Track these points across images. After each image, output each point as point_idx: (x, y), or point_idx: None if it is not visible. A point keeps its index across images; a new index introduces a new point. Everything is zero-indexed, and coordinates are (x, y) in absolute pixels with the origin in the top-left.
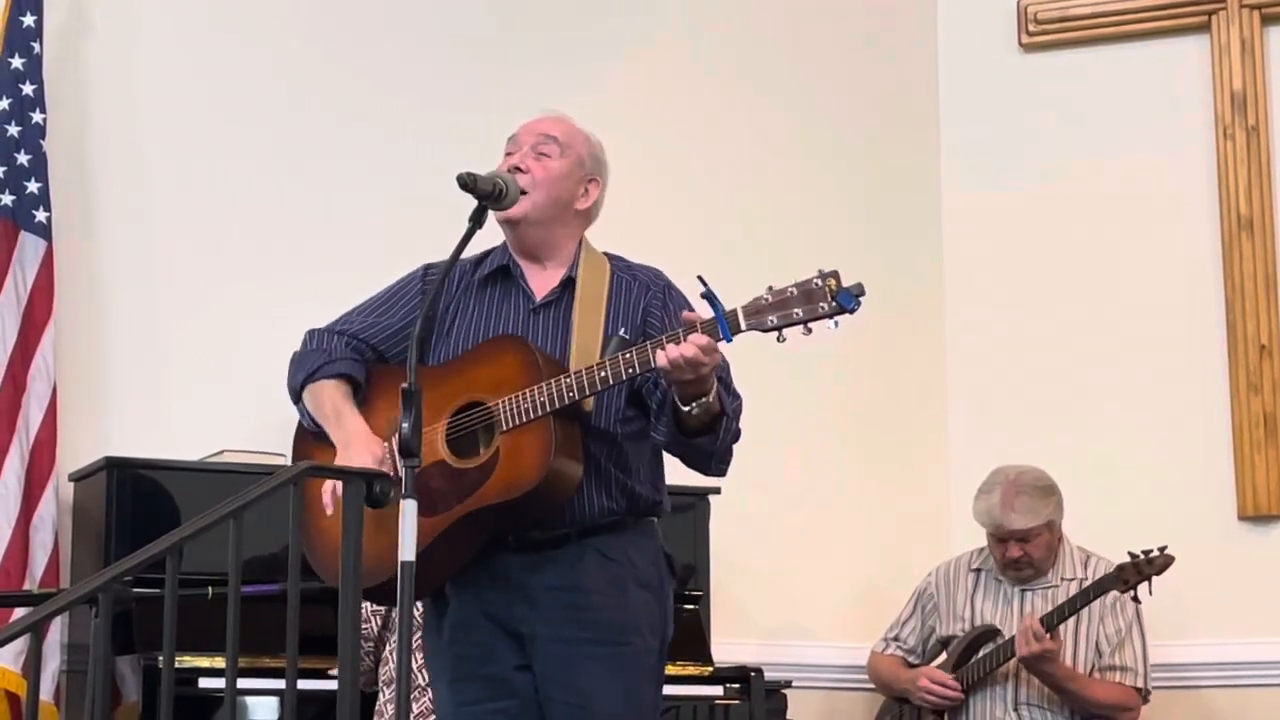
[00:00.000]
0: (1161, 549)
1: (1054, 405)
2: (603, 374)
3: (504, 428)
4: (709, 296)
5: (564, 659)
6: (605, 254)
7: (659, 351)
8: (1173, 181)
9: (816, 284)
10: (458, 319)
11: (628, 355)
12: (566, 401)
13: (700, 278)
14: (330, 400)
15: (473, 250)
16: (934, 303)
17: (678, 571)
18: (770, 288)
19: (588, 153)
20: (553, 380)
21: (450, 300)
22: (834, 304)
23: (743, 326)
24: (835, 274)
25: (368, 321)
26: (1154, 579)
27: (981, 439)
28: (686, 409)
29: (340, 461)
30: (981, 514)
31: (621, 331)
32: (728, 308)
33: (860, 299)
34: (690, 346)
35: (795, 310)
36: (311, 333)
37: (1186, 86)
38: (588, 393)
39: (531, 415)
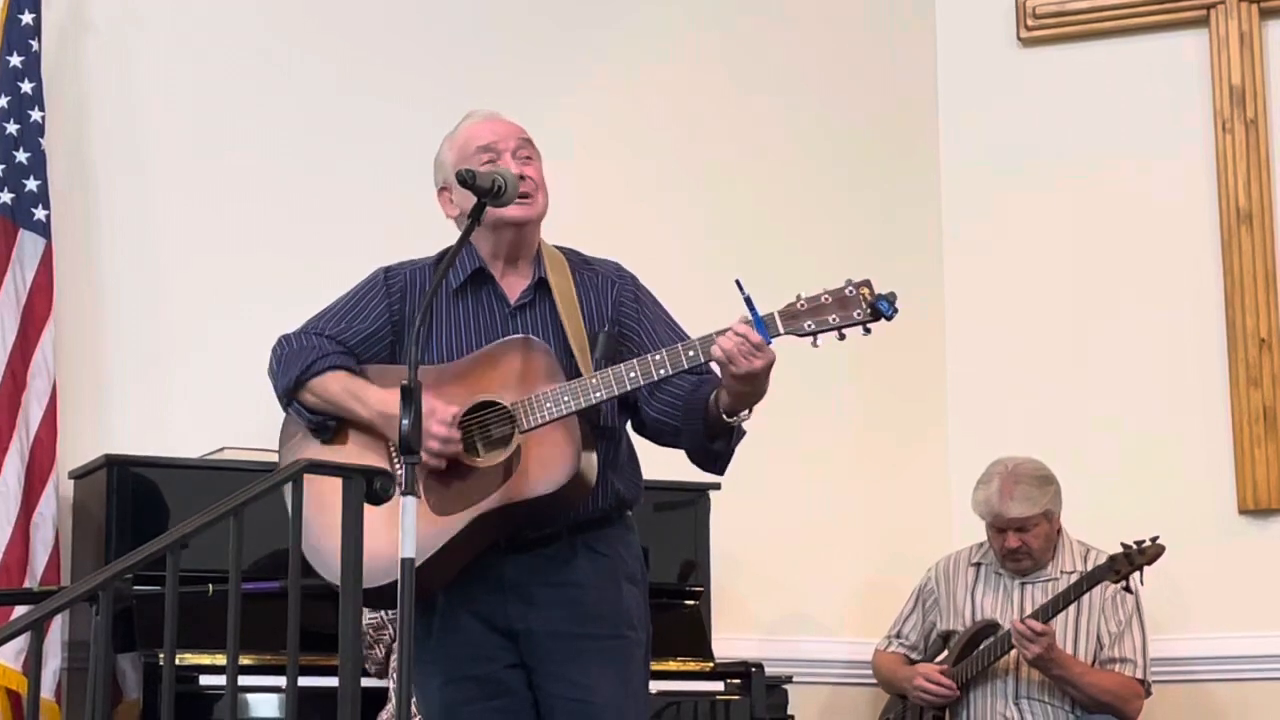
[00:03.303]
0: (1153, 539)
1: (1054, 399)
2: (631, 374)
3: (524, 427)
4: (747, 301)
5: (563, 654)
6: (557, 248)
7: (713, 347)
8: (1172, 176)
9: (850, 291)
10: (434, 324)
11: (658, 356)
12: (594, 402)
13: (738, 282)
14: (342, 385)
15: (426, 252)
16: (934, 297)
17: (681, 567)
18: (800, 295)
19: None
20: (575, 381)
21: (419, 304)
22: (870, 311)
23: (780, 330)
24: (867, 282)
25: (341, 326)
26: (1145, 569)
27: (981, 433)
28: (731, 419)
29: (390, 430)
30: (980, 504)
31: (606, 328)
32: (760, 312)
33: (896, 306)
34: (742, 340)
35: (831, 316)
36: (286, 337)
37: (1185, 81)
38: (615, 393)
39: (555, 415)
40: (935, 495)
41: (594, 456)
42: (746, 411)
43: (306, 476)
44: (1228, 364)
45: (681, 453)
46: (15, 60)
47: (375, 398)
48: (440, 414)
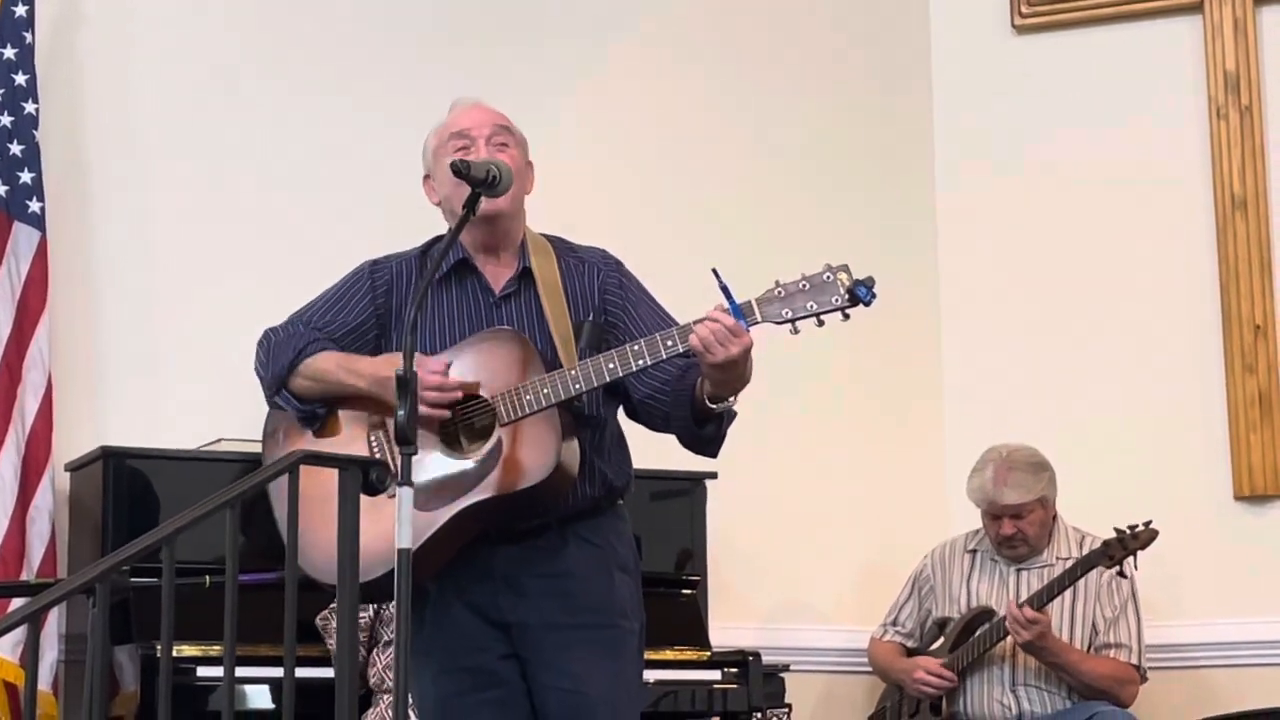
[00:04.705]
0: (1146, 523)
1: (1049, 388)
2: (610, 365)
3: (504, 420)
4: (724, 289)
5: (555, 645)
6: (543, 235)
7: (690, 336)
8: (1166, 162)
9: (827, 277)
10: (418, 317)
11: (637, 347)
12: (573, 394)
13: (715, 270)
14: (334, 361)
15: (412, 243)
16: (929, 284)
17: (677, 556)
18: (778, 281)
19: (525, 139)
20: (555, 373)
21: (404, 297)
22: (848, 297)
23: (758, 318)
24: (845, 267)
25: (326, 319)
26: (1140, 553)
27: (977, 420)
28: (715, 406)
29: (388, 393)
30: (975, 491)
31: (590, 316)
32: (735, 296)
33: (874, 291)
34: (718, 326)
35: (809, 303)
36: (273, 329)
37: (1179, 67)
38: (594, 385)
39: (535, 407)
40: (931, 482)
41: (576, 446)
42: (732, 398)
43: None
44: (1223, 350)
45: (676, 442)
46: (9, 52)
47: (368, 367)
48: (431, 364)
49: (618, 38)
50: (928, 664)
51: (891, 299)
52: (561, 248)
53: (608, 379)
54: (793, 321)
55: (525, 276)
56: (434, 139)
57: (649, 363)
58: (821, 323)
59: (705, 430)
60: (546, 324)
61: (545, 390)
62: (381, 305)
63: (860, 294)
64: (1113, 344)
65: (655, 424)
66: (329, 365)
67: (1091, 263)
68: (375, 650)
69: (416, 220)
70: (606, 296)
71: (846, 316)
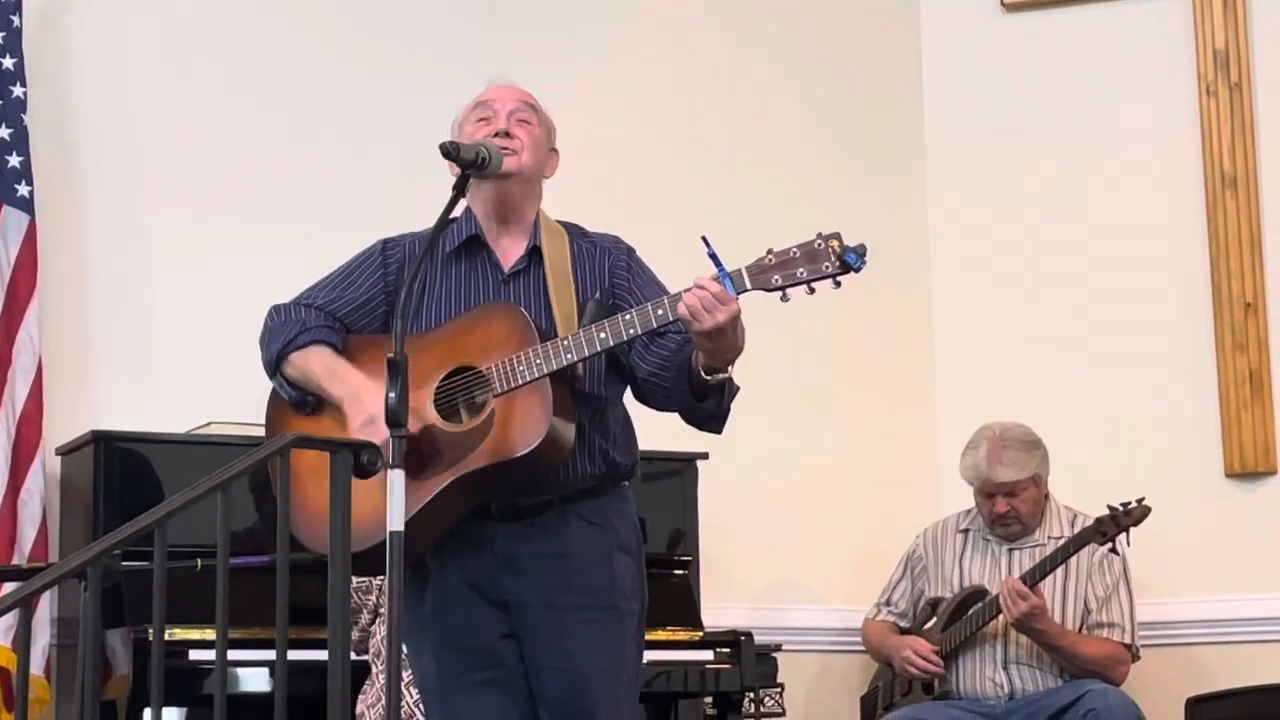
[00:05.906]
0: (1139, 500)
1: (1041, 367)
2: (602, 335)
3: (498, 390)
4: (713, 257)
5: (552, 625)
6: (559, 222)
7: (679, 304)
8: (1156, 140)
9: (819, 245)
10: (427, 292)
11: (628, 316)
12: (565, 363)
13: (704, 238)
14: (320, 362)
15: (426, 222)
16: (919, 264)
17: (669, 537)
18: (770, 249)
19: (552, 124)
20: (548, 343)
21: (415, 273)
22: (839, 264)
23: (748, 285)
24: (837, 235)
25: (333, 295)
26: (1132, 531)
27: (969, 400)
28: (709, 378)
29: (353, 414)
30: (968, 469)
31: (597, 295)
32: (728, 268)
33: (865, 258)
34: (705, 293)
35: (799, 270)
36: (277, 308)
37: (1169, 45)
38: (586, 354)
39: (528, 377)
40: (924, 462)
41: (570, 419)
42: (728, 370)
43: None
44: (1213, 328)
45: (669, 422)
46: None
47: (352, 380)
48: None
49: (617, 22)
50: (917, 645)
51: (883, 278)
52: (575, 232)
53: (599, 348)
54: (783, 289)
55: (535, 255)
56: (462, 113)
57: (639, 331)
58: (813, 290)
59: (705, 405)
60: (551, 302)
61: (538, 360)
62: (392, 284)
63: (850, 260)
64: (1103, 323)
65: (659, 402)
66: (315, 366)
67: (1082, 242)
68: (377, 621)
69: (419, 202)
70: (615, 279)
71: (838, 284)
